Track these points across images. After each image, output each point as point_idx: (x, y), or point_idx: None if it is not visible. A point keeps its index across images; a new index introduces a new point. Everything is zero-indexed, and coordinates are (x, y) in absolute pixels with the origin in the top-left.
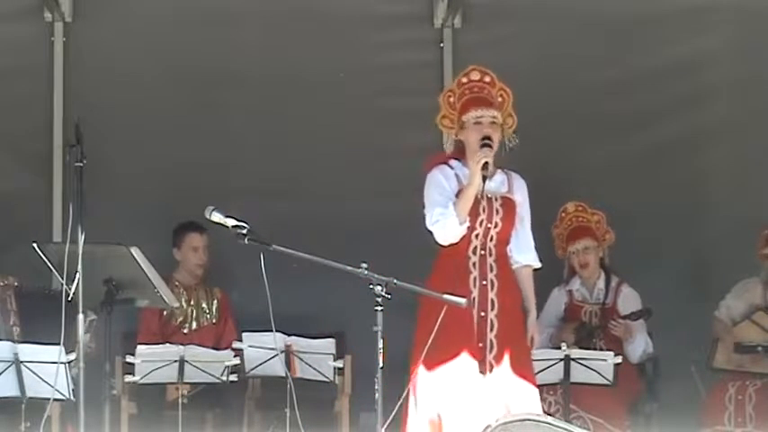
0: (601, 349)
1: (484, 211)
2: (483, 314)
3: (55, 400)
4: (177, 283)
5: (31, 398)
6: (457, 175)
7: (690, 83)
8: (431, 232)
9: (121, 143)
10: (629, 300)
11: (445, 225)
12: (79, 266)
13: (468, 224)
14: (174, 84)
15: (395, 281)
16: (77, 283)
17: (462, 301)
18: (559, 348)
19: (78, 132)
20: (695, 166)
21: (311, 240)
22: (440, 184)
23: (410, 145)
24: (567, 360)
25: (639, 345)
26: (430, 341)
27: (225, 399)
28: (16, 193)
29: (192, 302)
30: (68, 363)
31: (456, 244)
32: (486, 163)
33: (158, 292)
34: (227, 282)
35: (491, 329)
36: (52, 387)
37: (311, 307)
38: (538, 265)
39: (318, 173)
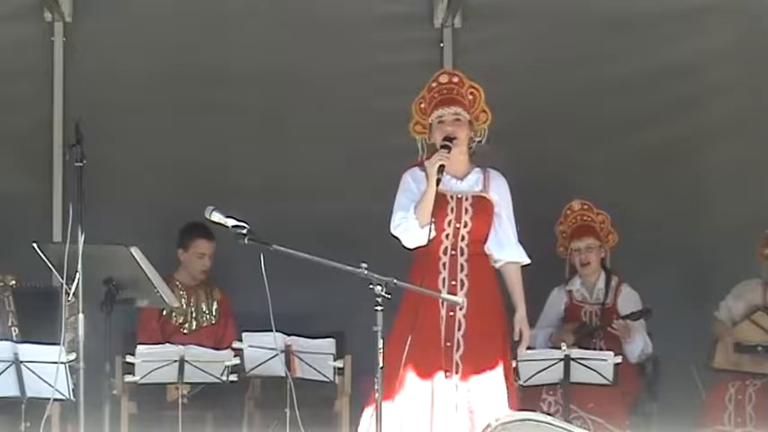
0: (601, 349)
1: (452, 211)
2: (451, 314)
3: (55, 400)
4: (178, 283)
5: (31, 398)
6: (428, 176)
7: (690, 83)
8: (397, 237)
9: (121, 143)
10: (629, 300)
11: (407, 229)
12: (79, 266)
13: (432, 226)
14: (174, 84)
15: (395, 281)
16: (77, 283)
17: (461, 300)
18: (559, 348)
19: (78, 132)
20: (695, 166)
21: (311, 240)
22: (408, 187)
23: (410, 145)
24: (567, 360)
25: (638, 344)
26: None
27: (225, 399)
28: (16, 193)
29: (192, 303)
30: (68, 363)
31: (427, 246)
32: (443, 165)
33: (158, 292)
34: (228, 281)
35: (459, 329)
36: (52, 387)
37: (311, 307)
38: (524, 260)
39: (318, 173)
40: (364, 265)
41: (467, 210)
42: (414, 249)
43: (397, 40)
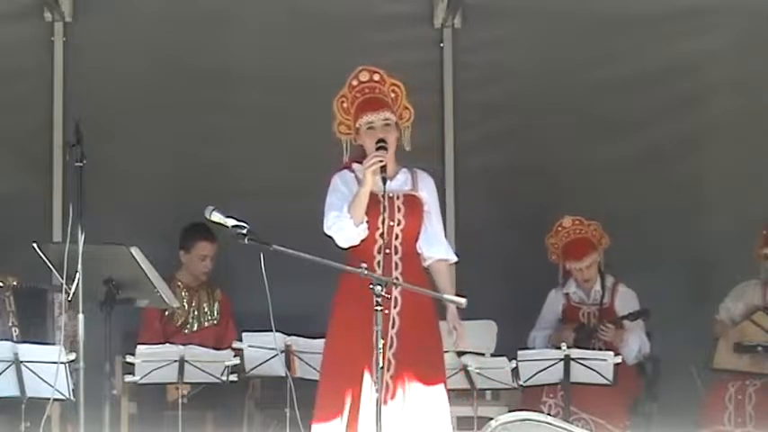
0: (600, 349)
1: (384, 210)
2: (387, 312)
3: (55, 400)
4: (180, 284)
5: (31, 398)
6: (357, 179)
7: (690, 83)
8: (330, 237)
9: (121, 143)
10: (626, 299)
11: (341, 228)
12: (79, 266)
13: (365, 225)
14: (173, 84)
15: (394, 281)
16: (77, 283)
17: (462, 301)
18: (559, 348)
19: (78, 132)
20: (695, 166)
21: (311, 240)
22: (338, 188)
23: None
24: (567, 360)
25: (633, 347)
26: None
27: (225, 399)
28: (16, 193)
29: (193, 304)
30: (68, 363)
31: (362, 244)
32: (384, 165)
33: (158, 292)
34: (228, 281)
35: (392, 326)
36: (52, 387)
37: (311, 307)
38: (452, 258)
39: (318, 173)
40: (364, 265)
41: (399, 208)
42: (347, 249)
43: (397, 40)
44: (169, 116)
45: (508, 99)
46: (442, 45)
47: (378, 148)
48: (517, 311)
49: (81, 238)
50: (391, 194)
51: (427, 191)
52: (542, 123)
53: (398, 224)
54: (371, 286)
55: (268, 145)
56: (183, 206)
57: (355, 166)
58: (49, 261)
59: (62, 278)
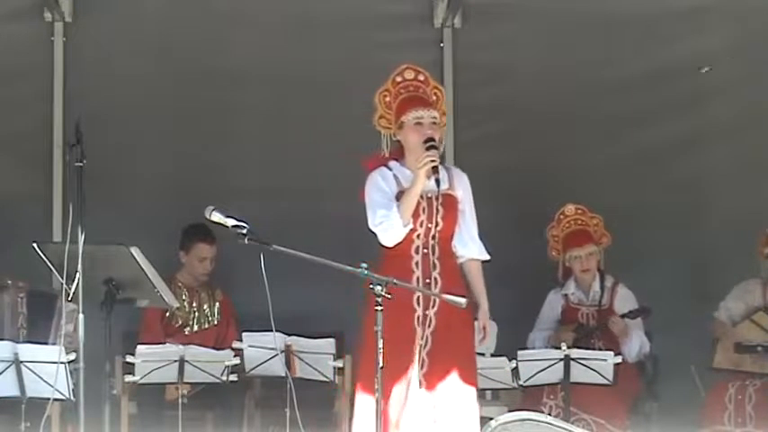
0: (600, 349)
1: (424, 211)
2: (426, 312)
3: (55, 400)
4: (180, 284)
5: (31, 398)
6: (396, 177)
7: (690, 83)
8: (374, 233)
9: (121, 143)
10: (625, 300)
11: (389, 227)
12: (79, 266)
13: (410, 225)
14: (174, 84)
15: (395, 281)
16: (77, 283)
17: (462, 301)
18: (559, 348)
19: (78, 132)
20: (695, 166)
21: (311, 240)
22: (380, 186)
23: None
24: (567, 360)
25: (635, 344)
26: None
27: (225, 399)
28: (16, 193)
29: (194, 304)
30: (68, 363)
31: (399, 244)
32: (436, 166)
33: (158, 292)
34: (228, 281)
35: (429, 326)
36: (52, 387)
37: (311, 307)
38: (484, 257)
39: (318, 173)
40: (364, 265)
41: (438, 209)
42: (390, 248)
43: (397, 40)
44: (169, 116)
45: (508, 99)
46: (442, 45)
47: (428, 148)
48: (517, 311)
49: (81, 238)
50: (430, 194)
51: (463, 189)
52: (542, 123)
53: (436, 225)
54: (371, 286)
55: (268, 145)
56: (183, 206)
57: (392, 163)
58: (49, 261)
59: (62, 278)
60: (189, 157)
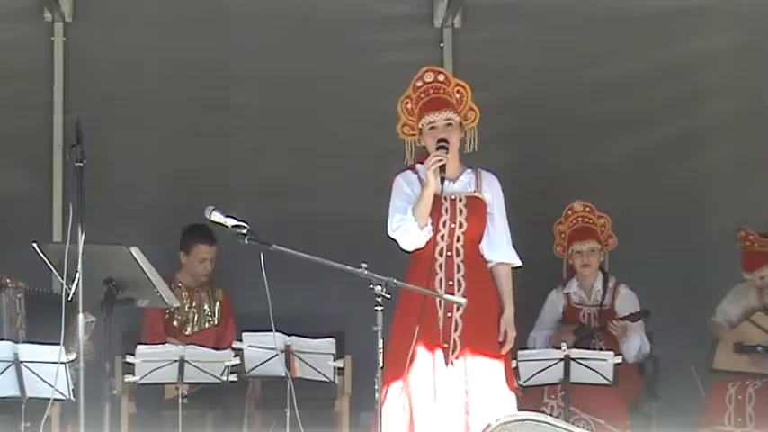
0: (600, 350)
1: (446, 212)
2: (449, 315)
3: (55, 400)
4: (180, 284)
5: (31, 398)
6: (421, 180)
7: (690, 83)
8: (395, 240)
9: (121, 143)
10: (626, 301)
11: (406, 231)
12: (79, 266)
13: (430, 227)
14: (174, 84)
15: (395, 281)
16: (77, 283)
17: (462, 300)
18: (559, 348)
19: (78, 132)
20: (695, 166)
21: (311, 240)
22: (402, 190)
23: None
24: (567, 360)
25: (635, 344)
26: (414, 341)
27: (225, 399)
28: (16, 193)
29: (194, 305)
30: (68, 363)
31: (423, 248)
32: (444, 165)
33: (158, 292)
34: (228, 282)
35: (455, 330)
36: (52, 387)
37: (311, 307)
38: (515, 262)
39: (318, 173)
40: (364, 265)
41: (461, 210)
42: (415, 252)
43: (397, 40)
44: (169, 116)
45: (508, 99)
46: (441, 45)
47: (438, 148)
48: (517, 311)
49: (81, 238)
50: (453, 196)
51: (491, 192)
52: (542, 123)
53: (460, 227)
54: (371, 286)
55: (268, 145)
56: (183, 206)
57: (418, 166)
58: (49, 261)
59: (62, 278)
60: (189, 157)
